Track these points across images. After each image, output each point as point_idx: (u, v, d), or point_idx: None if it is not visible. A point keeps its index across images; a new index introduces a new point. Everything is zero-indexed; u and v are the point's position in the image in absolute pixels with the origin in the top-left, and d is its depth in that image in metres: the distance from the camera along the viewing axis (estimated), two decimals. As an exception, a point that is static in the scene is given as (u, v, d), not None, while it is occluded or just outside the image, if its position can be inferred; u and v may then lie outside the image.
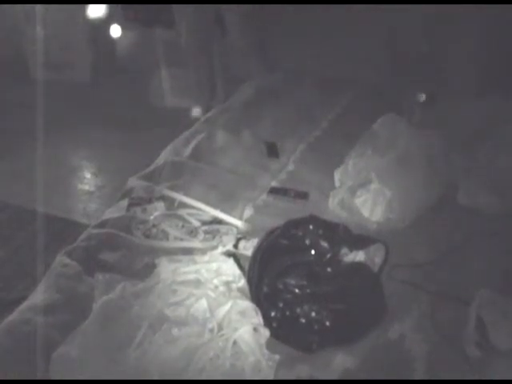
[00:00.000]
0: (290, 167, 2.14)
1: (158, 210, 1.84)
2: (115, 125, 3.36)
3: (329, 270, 1.48)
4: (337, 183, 1.95)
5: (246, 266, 1.57)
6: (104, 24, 3.89)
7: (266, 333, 1.36)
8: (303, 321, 1.40)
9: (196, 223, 1.80)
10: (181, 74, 3.48)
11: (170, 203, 1.89)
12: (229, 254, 1.64)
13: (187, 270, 1.51)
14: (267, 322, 1.40)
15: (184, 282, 1.47)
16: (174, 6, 3.15)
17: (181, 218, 1.82)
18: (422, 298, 1.52)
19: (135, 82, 3.56)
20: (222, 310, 1.38)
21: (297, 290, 1.42)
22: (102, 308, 1.40)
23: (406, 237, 1.73)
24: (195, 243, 1.71)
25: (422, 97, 2.52)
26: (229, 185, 1.99)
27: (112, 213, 1.83)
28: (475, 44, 2.70)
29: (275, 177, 2.08)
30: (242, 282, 1.51)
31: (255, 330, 1.35)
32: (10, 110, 3.52)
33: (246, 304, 1.41)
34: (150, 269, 1.57)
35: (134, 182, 1.97)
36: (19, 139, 3.17)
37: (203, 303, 1.40)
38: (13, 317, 1.44)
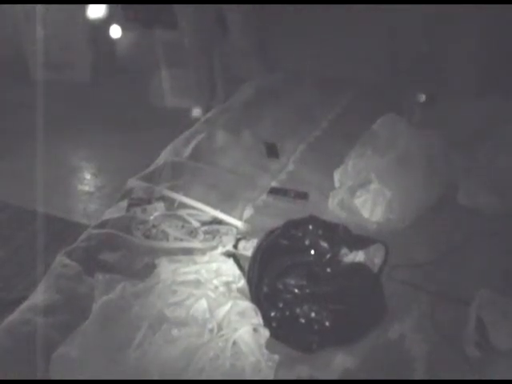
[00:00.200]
0: (290, 167, 2.14)
1: (157, 210, 1.84)
2: (115, 125, 3.36)
3: (328, 270, 1.48)
4: (336, 183, 1.95)
5: (246, 266, 1.57)
6: (104, 24, 3.89)
7: (265, 333, 1.36)
8: (303, 321, 1.40)
9: (196, 223, 1.80)
10: (181, 74, 3.48)
11: (170, 203, 1.89)
12: (229, 255, 1.64)
13: (187, 270, 1.51)
14: (267, 322, 1.40)
15: (184, 283, 1.47)
16: (176, 7, 3.15)
17: (181, 218, 1.82)
18: (421, 298, 1.52)
19: (135, 82, 3.56)
20: (222, 311, 1.38)
21: (296, 291, 1.42)
22: (102, 308, 1.40)
23: (405, 237, 1.73)
24: (195, 243, 1.72)
25: (422, 97, 2.52)
26: (229, 185, 1.99)
27: (112, 213, 1.83)
28: (475, 44, 2.70)
29: (275, 177, 2.08)
30: (242, 283, 1.51)
31: (255, 330, 1.36)
32: (9, 110, 3.52)
33: (246, 304, 1.41)
34: (150, 269, 1.57)
35: (133, 182, 1.97)
36: (19, 139, 3.17)
37: (203, 303, 1.40)
38: (13, 317, 1.44)
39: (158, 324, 1.36)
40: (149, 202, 1.89)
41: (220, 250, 1.67)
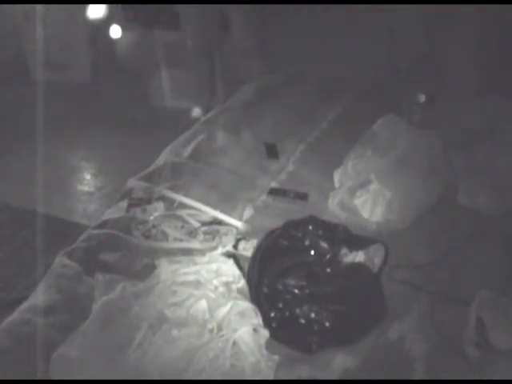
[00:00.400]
0: (290, 168, 2.13)
1: (157, 210, 1.84)
2: (115, 125, 3.37)
3: (328, 270, 1.48)
4: (336, 184, 1.95)
5: (246, 266, 1.57)
6: (104, 24, 3.89)
7: (265, 333, 1.36)
8: (303, 321, 1.40)
9: (196, 224, 1.80)
10: (181, 75, 3.48)
11: (170, 204, 1.89)
12: (228, 255, 1.64)
13: (187, 270, 1.51)
14: (267, 322, 1.40)
15: (184, 283, 1.47)
16: (180, 8, 3.15)
17: (180, 218, 1.82)
18: (422, 299, 1.52)
19: (135, 83, 3.56)
20: (222, 311, 1.38)
21: (296, 291, 1.42)
22: (102, 308, 1.41)
23: (405, 237, 1.73)
24: (195, 244, 1.71)
25: (422, 97, 2.52)
26: (228, 185, 1.99)
27: (112, 213, 1.83)
28: (475, 44, 2.70)
29: (275, 177, 2.08)
30: (242, 283, 1.51)
31: (255, 330, 1.35)
32: (9, 110, 3.52)
33: (246, 305, 1.41)
34: (150, 269, 1.57)
35: (133, 182, 1.97)
36: (19, 139, 3.17)
37: (203, 304, 1.40)
38: (13, 317, 1.44)
39: (157, 324, 1.36)
40: (149, 202, 1.88)
41: (220, 250, 1.66)
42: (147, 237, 1.75)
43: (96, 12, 3.87)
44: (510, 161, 1.92)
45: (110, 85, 3.77)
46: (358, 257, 1.54)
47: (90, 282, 1.53)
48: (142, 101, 3.48)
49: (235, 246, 1.70)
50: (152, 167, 2.07)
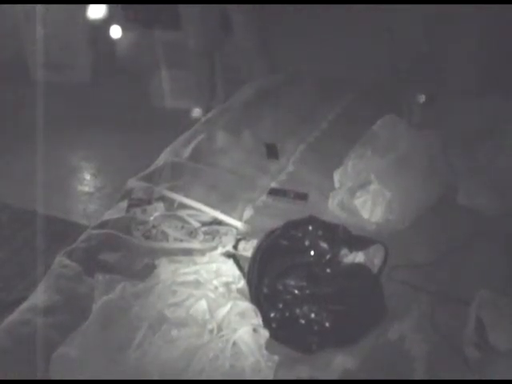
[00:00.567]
0: (290, 168, 2.13)
1: (157, 210, 1.84)
2: (115, 125, 3.37)
3: (328, 270, 1.48)
4: (336, 184, 1.95)
5: (246, 266, 1.57)
6: (104, 24, 3.89)
7: (265, 334, 1.36)
8: (303, 322, 1.40)
9: (196, 224, 1.80)
10: (181, 75, 3.48)
11: (170, 204, 1.89)
12: (228, 255, 1.64)
13: (187, 270, 1.51)
14: (267, 322, 1.40)
15: (184, 283, 1.47)
16: (181, 8, 3.15)
17: (180, 218, 1.82)
18: (421, 299, 1.52)
19: (135, 83, 3.56)
20: (222, 311, 1.38)
21: (296, 291, 1.42)
22: (102, 308, 1.40)
23: (405, 237, 1.73)
24: (195, 244, 1.71)
25: (422, 97, 2.52)
26: (228, 186, 1.99)
27: (112, 214, 1.83)
28: (475, 44, 2.70)
29: (275, 178, 2.07)
30: (242, 283, 1.51)
31: (255, 330, 1.35)
32: (10, 110, 3.52)
33: (246, 305, 1.41)
34: (150, 269, 1.57)
35: (133, 182, 1.97)
36: (19, 139, 3.17)
37: (203, 304, 1.40)
38: (13, 317, 1.44)
39: (157, 324, 1.36)
40: (149, 202, 1.88)
41: (220, 250, 1.66)
42: (147, 237, 1.75)
43: (96, 12, 3.87)
44: (509, 161, 1.92)
45: (110, 85, 3.77)
46: (358, 257, 1.54)
47: (89, 282, 1.53)
48: (142, 101, 3.48)
49: (235, 246, 1.69)
50: (152, 167, 2.07)
